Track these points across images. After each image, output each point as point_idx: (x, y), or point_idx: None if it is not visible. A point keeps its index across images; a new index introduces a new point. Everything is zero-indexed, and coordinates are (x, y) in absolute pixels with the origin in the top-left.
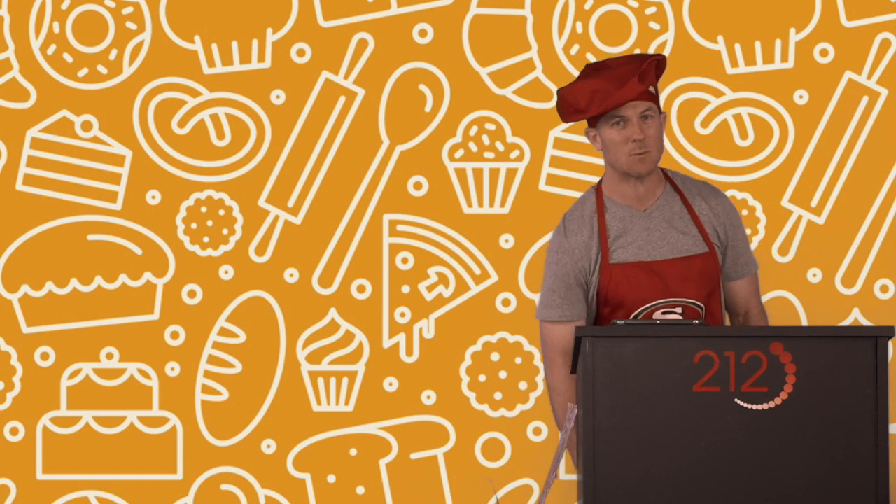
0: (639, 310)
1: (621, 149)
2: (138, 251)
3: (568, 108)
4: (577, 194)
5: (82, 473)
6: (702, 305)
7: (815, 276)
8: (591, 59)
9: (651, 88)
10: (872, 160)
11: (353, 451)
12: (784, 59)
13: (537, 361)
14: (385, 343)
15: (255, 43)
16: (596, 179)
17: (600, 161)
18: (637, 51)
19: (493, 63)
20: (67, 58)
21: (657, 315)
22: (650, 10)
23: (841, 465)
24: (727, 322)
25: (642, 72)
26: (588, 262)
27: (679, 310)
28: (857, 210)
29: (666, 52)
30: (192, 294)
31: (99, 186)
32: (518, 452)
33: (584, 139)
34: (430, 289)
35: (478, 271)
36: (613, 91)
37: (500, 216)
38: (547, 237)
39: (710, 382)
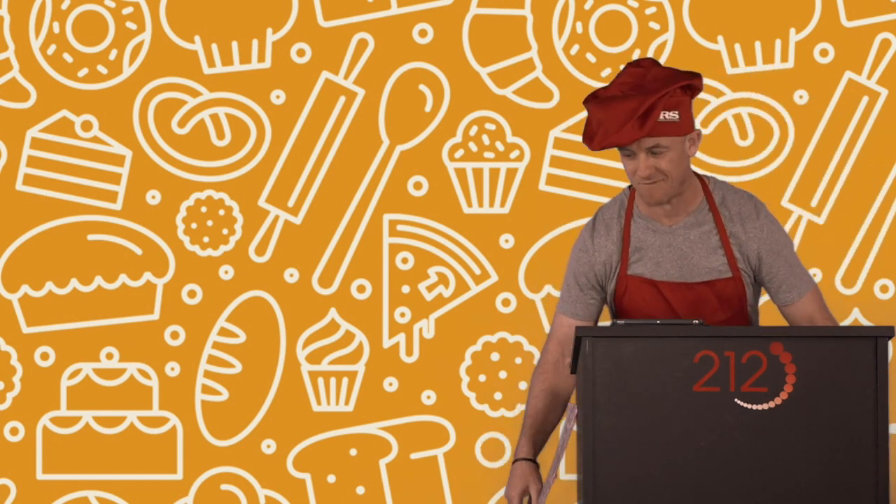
0: None
1: (632, 178)
2: (138, 251)
3: (585, 130)
4: (578, 195)
5: (82, 473)
6: None
7: (814, 276)
8: (592, 59)
9: (666, 116)
10: (872, 160)
11: (353, 451)
12: (784, 59)
13: (537, 361)
14: (385, 343)
15: (255, 43)
16: (596, 179)
17: (600, 161)
18: (646, 55)
19: (493, 63)
20: (67, 58)
21: None
22: (650, 10)
23: (841, 465)
24: None
25: (645, 112)
26: (608, 267)
27: None
28: (857, 210)
29: (666, 53)
30: (192, 294)
31: (99, 186)
32: None
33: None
34: (430, 289)
35: (478, 271)
36: (613, 130)
37: (500, 216)
38: (547, 237)
39: (710, 382)
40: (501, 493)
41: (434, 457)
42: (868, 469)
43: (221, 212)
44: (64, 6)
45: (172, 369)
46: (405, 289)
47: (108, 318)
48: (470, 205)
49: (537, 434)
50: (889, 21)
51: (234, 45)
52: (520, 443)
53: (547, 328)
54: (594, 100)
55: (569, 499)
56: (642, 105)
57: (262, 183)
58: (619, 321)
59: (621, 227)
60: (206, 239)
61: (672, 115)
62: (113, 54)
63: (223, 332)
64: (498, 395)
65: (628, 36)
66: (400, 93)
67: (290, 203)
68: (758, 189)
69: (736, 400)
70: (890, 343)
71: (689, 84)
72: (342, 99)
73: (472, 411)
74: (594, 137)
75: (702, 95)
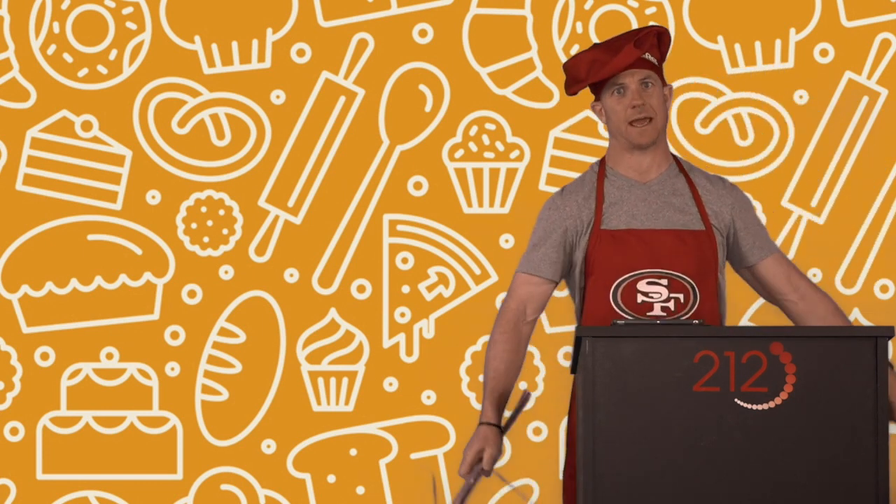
0: (623, 277)
1: (621, 117)
2: (138, 251)
3: (570, 79)
4: None
5: (82, 473)
6: (691, 281)
7: (814, 276)
8: None
9: (650, 57)
10: (872, 160)
11: (353, 451)
12: (784, 59)
13: (537, 361)
14: (385, 343)
15: (255, 43)
16: None
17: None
18: None
19: (493, 63)
20: (67, 58)
21: (641, 285)
22: (650, 10)
23: (841, 465)
24: (725, 319)
25: (638, 39)
26: (579, 222)
27: (665, 281)
28: (857, 210)
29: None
30: (192, 294)
31: (99, 186)
32: (518, 452)
33: (584, 139)
34: (430, 289)
35: (478, 271)
36: (609, 59)
37: (500, 216)
38: None
39: (710, 382)
40: (501, 493)
41: (434, 457)
42: (868, 469)
43: (221, 212)
44: (64, 6)
45: (172, 369)
46: (405, 289)
47: (108, 318)
48: (470, 205)
49: (500, 397)
50: (889, 21)
51: (234, 45)
52: (484, 405)
53: (547, 328)
54: (579, 52)
55: None
56: (634, 36)
57: (262, 183)
58: (618, 321)
59: (594, 186)
60: (206, 239)
61: (653, 59)
62: (113, 54)
63: (223, 332)
64: None
65: None
66: (400, 93)
67: (290, 203)
68: (758, 189)
69: (736, 400)
70: (890, 343)
71: (658, 32)
72: (342, 99)
73: (472, 411)
74: (587, 76)
75: (702, 95)
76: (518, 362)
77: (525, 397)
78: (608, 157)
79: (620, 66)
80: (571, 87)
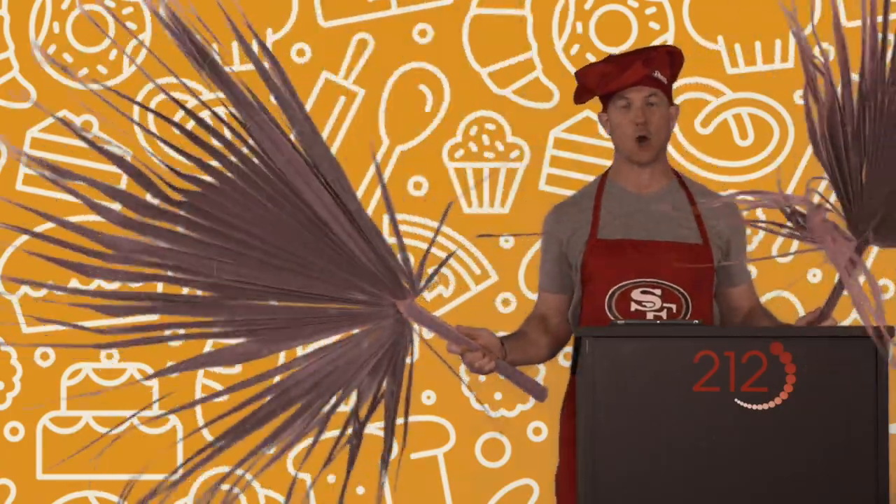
0: (617, 285)
1: (624, 131)
2: None
3: (579, 88)
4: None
5: (82, 473)
6: (684, 292)
7: (814, 276)
8: (592, 59)
9: (658, 75)
10: None
11: None
12: (784, 59)
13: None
14: None
15: (254, 43)
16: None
17: (600, 161)
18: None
19: (493, 63)
20: (67, 58)
21: (635, 293)
22: (650, 10)
23: (841, 465)
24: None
25: (648, 57)
26: (573, 233)
27: (658, 291)
28: None
29: None
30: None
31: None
32: (518, 452)
33: (584, 139)
34: (429, 289)
35: (478, 271)
36: (618, 74)
37: (500, 216)
38: None
39: (710, 382)
40: (502, 493)
41: (434, 457)
42: (868, 469)
43: None
44: (64, 6)
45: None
46: None
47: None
48: (470, 205)
49: (513, 336)
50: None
51: (234, 45)
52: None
53: None
54: (591, 63)
55: None
56: (644, 53)
57: None
58: (618, 321)
59: (592, 197)
60: None
61: (662, 77)
62: (113, 54)
63: None
64: (498, 395)
65: (628, 36)
66: (400, 93)
67: None
68: (758, 189)
69: (736, 400)
70: (890, 343)
71: (671, 51)
72: (342, 99)
73: (472, 411)
74: (596, 88)
75: (702, 95)
76: (537, 340)
77: (539, 391)
78: (611, 170)
79: (627, 83)
80: (580, 97)
